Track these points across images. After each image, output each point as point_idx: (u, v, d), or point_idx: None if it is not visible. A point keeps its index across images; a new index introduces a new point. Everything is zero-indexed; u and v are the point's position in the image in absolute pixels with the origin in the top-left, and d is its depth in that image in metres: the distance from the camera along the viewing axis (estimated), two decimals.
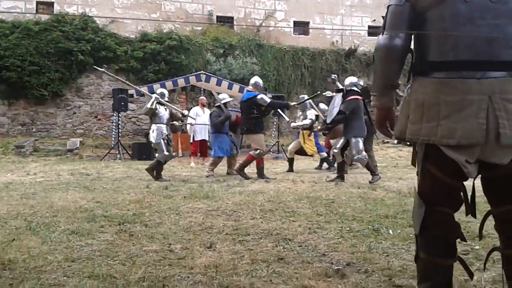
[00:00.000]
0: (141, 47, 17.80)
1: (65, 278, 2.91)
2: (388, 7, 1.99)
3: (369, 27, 23.29)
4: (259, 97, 8.21)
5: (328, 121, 7.87)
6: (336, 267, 2.96)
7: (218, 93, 10.35)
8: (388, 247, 3.43)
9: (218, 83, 14.70)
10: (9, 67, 16.13)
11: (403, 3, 1.92)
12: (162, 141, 8.24)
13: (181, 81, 15.03)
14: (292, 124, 10.64)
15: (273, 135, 16.69)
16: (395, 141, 11.35)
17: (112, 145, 13.96)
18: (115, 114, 14.60)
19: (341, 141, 7.68)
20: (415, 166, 2.07)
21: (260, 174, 8.28)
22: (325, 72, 20.01)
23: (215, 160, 9.10)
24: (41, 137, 16.20)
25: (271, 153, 14.18)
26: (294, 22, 22.49)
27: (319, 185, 6.91)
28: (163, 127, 8.36)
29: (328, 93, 10.63)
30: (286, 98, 16.52)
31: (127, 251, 3.46)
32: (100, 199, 5.66)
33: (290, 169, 10.08)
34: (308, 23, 22.65)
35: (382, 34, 1.99)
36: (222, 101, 9.27)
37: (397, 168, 9.96)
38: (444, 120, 1.81)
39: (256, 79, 8.73)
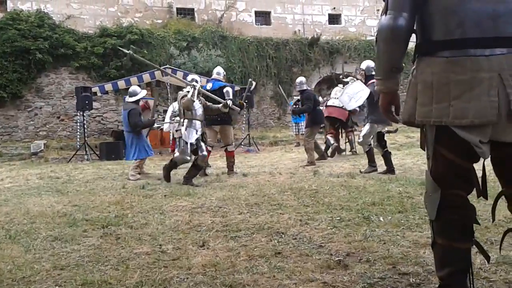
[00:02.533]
0: (101, 43, 17.27)
1: (57, 287, 2.78)
2: None
3: (329, 15, 23.47)
4: (225, 90, 7.99)
5: (355, 106, 7.90)
6: (337, 258, 2.94)
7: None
8: (382, 234, 3.44)
9: (185, 77, 14.44)
10: None
11: None
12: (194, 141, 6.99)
13: (146, 77, 14.68)
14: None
15: (243, 128, 16.60)
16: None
17: (78, 146, 13.53)
18: (79, 114, 14.15)
19: (366, 129, 7.18)
20: (424, 150, 2.04)
21: (232, 168, 8.08)
22: (289, 62, 20.01)
23: (140, 162, 8.26)
24: (3, 141, 15.53)
25: (242, 146, 14.10)
26: (256, 12, 22.41)
27: (298, 176, 6.90)
28: (198, 123, 7.14)
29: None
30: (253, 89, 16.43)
31: (117, 255, 3.34)
32: (77, 202, 5.46)
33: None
34: (269, 12, 22.61)
35: (385, 14, 1.93)
36: (135, 98, 8.29)
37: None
38: (456, 100, 1.78)
39: (220, 69, 8.62)
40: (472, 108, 1.75)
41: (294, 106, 10.85)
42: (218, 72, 8.50)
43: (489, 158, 1.89)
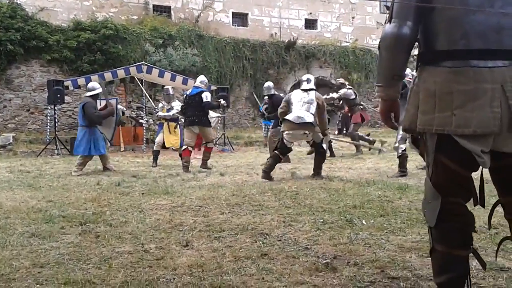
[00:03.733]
0: (75, 36, 16.88)
1: (38, 286, 2.69)
2: None
3: (306, 20, 23.64)
4: (203, 94, 8.67)
5: None
6: (324, 261, 2.93)
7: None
8: (367, 237, 3.45)
9: (161, 75, 14.24)
10: None
11: None
12: None
13: (120, 72, 14.41)
14: (160, 114, 9.91)
15: (218, 128, 16.52)
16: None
17: (48, 140, 13.18)
18: (49, 108, 13.79)
19: (401, 133, 6.82)
20: (423, 157, 2.06)
21: (206, 162, 8.91)
22: (266, 64, 20.04)
23: (86, 159, 8.27)
24: None
25: (217, 145, 14.02)
26: (233, 14, 22.38)
27: (275, 177, 6.88)
28: None
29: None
30: (229, 90, 16.43)
31: (98, 254, 3.25)
32: (52, 198, 5.31)
33: (155, 164, 9.44)
34: (246, 14, 22.62)
35: (389, 22, 1.94)
36: (93, 92, 8.53)
37: (344, 158, 10.16)
38: (458, 110, 1.79)
39: (203, 78, 9.28)
40: (475, 118, 1.77)
41: (265, 108, 10.98)
42: (202, 81, 9.10)
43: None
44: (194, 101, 8.61)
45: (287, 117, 6.94)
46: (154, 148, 9.81)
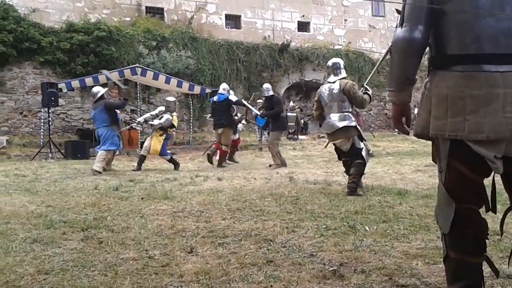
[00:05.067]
0: (68, 38, 16.82)
1: None
2: None
3: (299, 22, 23.72)
4: (230, 97, 10.33)
5: None
6: (331, 268, 2.93)
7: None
8: (372, 244, 3.46)
9: (155, 77, 14.21)
10: None
11: None
12: None
13: (114, 75, 14.36)
14: (155, 121, 9.84)
15: (213, 131, 16.49)
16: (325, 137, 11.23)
17: (42, 144, 13.09)
18: (43, 110, 13.69)
19: None
20: (435, 163, 2.06)
21: (221, 163, 10.05)
22: (259, 67, 20.07)
23: (108, 155, 9.06)
24: None
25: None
26: (226, 16, 22.40)
27: (274, 182, 6.90)
28: None
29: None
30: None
31: (103, 260, 3.23)
32: (50, 203, 5.27)
33: (138, 168, 9.52)
34: (239, 16, 22.65)
35: (401, 27, 1.95)
36: (99, 94, 9.28)
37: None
38: (471, 115, 1.80)
39: (225, 85, 10.87)
40: (487, 123, 1.78)
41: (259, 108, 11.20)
42: (224, 88, 10.66)
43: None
44: (221, 106, 10.16)
45: (322, 127, 6.24)
46: (141, 153, 9.97)
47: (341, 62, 6.33)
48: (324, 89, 6.20)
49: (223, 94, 10.42)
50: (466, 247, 1.90)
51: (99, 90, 9.33)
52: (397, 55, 2.00)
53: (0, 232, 3.92)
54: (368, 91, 6.15)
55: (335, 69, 6.19)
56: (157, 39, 18.46)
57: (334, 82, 6.12)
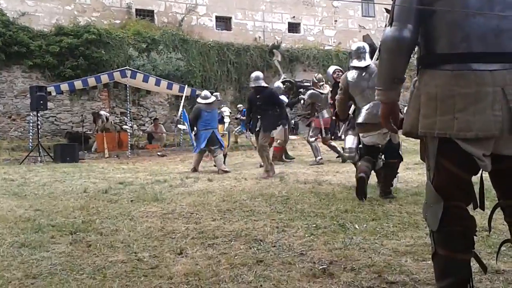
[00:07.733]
0: (57, 41, 16.72)
1: None
2: None
3: (289, 23, 23.76)
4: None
5: None
6: (321, 267, 2.93)
7: None
8: (361, 242, 3.46)
9: (145, 80, 14.16)
10: None
11: None
12: None
13: (104, 77, 14.29)
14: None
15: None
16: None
17: (31, 147, 12.98)
18: (32, 114, 13.58)
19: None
20: (424, 161, 2.06)
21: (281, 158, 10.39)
22: (250, 68, 20.06)
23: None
24: None
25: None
26: (216, 17, 22.38)
27: (264, 182, 6.88)
28: None
29: None
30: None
31: (91, 263, 3.20)
32: (39, 206, 5.22)
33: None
34: (230, 18, 22.64)
35: (390, 26, 1.95)
36: (209, 100, 9.36)
37: (331, 162, 10.20)
38: (460, 113, 1.80)
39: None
40: (476, 122, 1.78)
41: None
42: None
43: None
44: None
45: (362, 118, 5.19)
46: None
47: (366, 46, 5.57)
48: (352, 76, 5.35)
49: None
50: (455, 244, 1.90)
51: (210, 96, 9.38)
52: (386, 54, 2.00)
53: None
54: None
55: (361, 53, 5.39)
56: (147, 41, 18.41)
57: (366, 67, 5.29)
